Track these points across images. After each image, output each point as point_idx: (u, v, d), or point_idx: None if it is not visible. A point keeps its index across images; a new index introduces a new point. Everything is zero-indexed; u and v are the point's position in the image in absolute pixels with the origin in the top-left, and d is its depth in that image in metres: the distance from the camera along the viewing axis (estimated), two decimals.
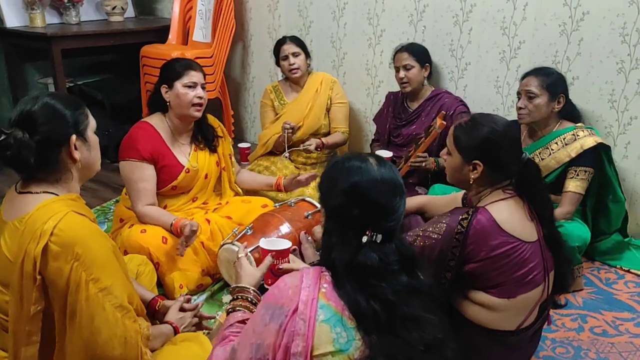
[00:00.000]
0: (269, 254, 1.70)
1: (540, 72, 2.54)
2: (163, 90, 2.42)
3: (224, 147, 2.70)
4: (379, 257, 1.24)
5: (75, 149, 1.58)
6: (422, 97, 3.08)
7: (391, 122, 3.18)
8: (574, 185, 2.46)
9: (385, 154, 3.03)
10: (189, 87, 2.42)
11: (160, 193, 2.49)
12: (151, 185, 2.41)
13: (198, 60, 3.64)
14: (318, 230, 2.20)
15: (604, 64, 2.67)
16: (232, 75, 4.22)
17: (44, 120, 1.53)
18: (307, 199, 2.66)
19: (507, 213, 1.66)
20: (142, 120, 2.50)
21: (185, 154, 2.54)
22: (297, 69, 3.21)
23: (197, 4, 3.99)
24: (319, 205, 2.58)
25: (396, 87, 3.32)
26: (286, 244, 1.67)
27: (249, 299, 1.50)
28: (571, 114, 2.57)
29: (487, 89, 3.06)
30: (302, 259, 2.37)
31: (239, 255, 1.58)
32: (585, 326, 2.18)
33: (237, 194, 2.79)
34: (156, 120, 2.50)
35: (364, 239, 1.25)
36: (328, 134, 3.36)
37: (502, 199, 1.69)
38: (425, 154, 2.81)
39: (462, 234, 1.63)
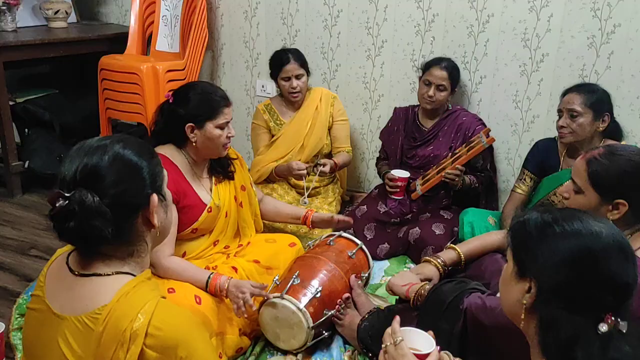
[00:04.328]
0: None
1: (583, 89, 2.40)
2: (188, 129, 2.00)
3: (242, 175, 2.31)
4: (632, 352, 0.97)
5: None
6: (437, 115, 2.86)
7: (404, 141, 2.92)
8: None
9: (402, 173, 2.79)
10: (222, 128, 2.03)
11: (178, 237, 2.06)
12: (174, 231, 1.98)
13: (169, 74, 3.23)
14: (395, 282, 1.88)
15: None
16: None
17: (117, 178, 1.12)
18: (344, 234, 2.35)
19: None
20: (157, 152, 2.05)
21: (207, 190, 2.14)
22: (299, 92, 2.89)
23: (159, 9, 3.53)
24: (359, 242, 2.29)
25: (399, 102, 3.11)
26: (431, 344, 1.31)
27: None
28: (614, 132, 2.46)
29: (505, 103, 2.90)
30: (355, 306, 2.08)
31: (397, 340, 1.24)
32: None
33: (256, 229, 2.41)
34: (172, 152, 2.07)
35: (603, 327, 0.98)
36: (330, 154, 3.05)
37: None
38: (463, 168, 2.59)
39: None
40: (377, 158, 3.14)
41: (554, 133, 2.74)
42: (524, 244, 1.08)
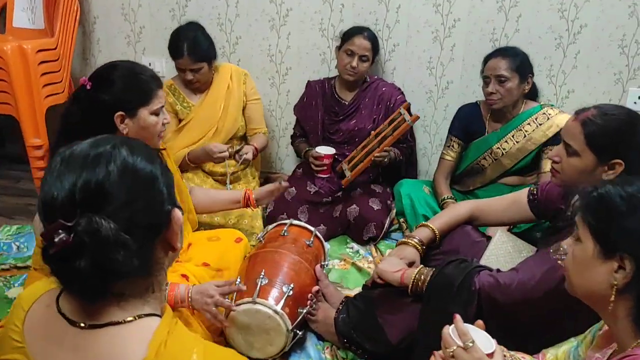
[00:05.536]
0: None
1: (506, 53, 2.44)
2: (117, 119, 1.65)
3: (173, 166, 2.02)
4: None
5: None
6: (356, 86, 2.75)
7: (324, 116, 2.77)
8: None
9: (328, 150, 2.66)
10: (157, 114, 1.71)
11: None
12: None
13: (40, 55, 2.75)
14: (385, 269, 1.73)
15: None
16: (71, 71, 3.25)
17: (130, 195, 0.86)
18: (295, 222, 2.16)
19: None
20: None
21: None
22: (197, 82, 2.59)
23: None
24: (312, 228, 2.13)
25: (310, 75, 2.96)
26: (490, 341, 1.17)
27: None
28: (532, 93, 2.54)
29: (419, 71, 2.87)
30: (324, 298, 1.94)
31: (469, 343, 1.10)
32: None
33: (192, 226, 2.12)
34: None
35: None
36: (244, 136, 2.81)
37: None
38: (391, 148, 2.50)
39: None
40: (292, 136, 2.96)
41: (468, 98, 2.80)
42: (609, 220, 1.01)
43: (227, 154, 2.45)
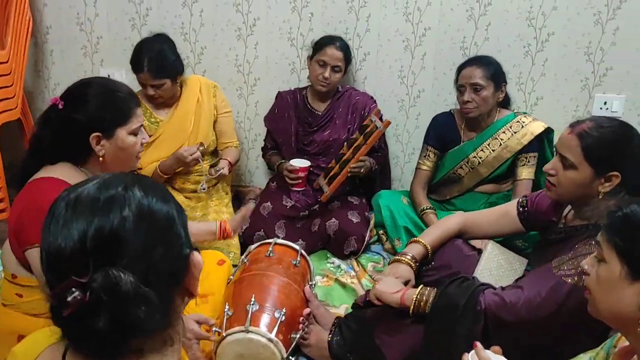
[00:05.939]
0: None
1: (480, 62, 2.44)
2: (93, 140, 1.54)
3: None
4: None
5: None
6: (329, 97, 2.70)
7: (297, 128, 2.71)
8: (527, 172, 2.46)
9: (303, 163, 2.60)
10: (136, 133, 1.60)
11: None
12: None
13: None
14: (384, 290, 1.68)
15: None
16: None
17: (148, 242, 0.79)
18: (279, 241, 2.08)
19: None
20: (46, 177, 1.54)
21: None
22: (159, 98, 2.48)
23: None
24: (297, 247, 2.07)
25: (279, 85, 2.90)
26: None
27: None
28: (505, 101, 2.56)
29: (390, 80, 2.84)
30: (315, 319, 1.88)
31: None
32: None
33: None
34: (68, 174, 1.55)
35: None
36: (215, 151, 2.71)
37: None
38: (366, 157, 2.46)
39: None
40: (263, 148, 2.88)
41: (439, 107, 2.80)
42: (634, 240, 0.99)
43: (199, 153, 2.38)
